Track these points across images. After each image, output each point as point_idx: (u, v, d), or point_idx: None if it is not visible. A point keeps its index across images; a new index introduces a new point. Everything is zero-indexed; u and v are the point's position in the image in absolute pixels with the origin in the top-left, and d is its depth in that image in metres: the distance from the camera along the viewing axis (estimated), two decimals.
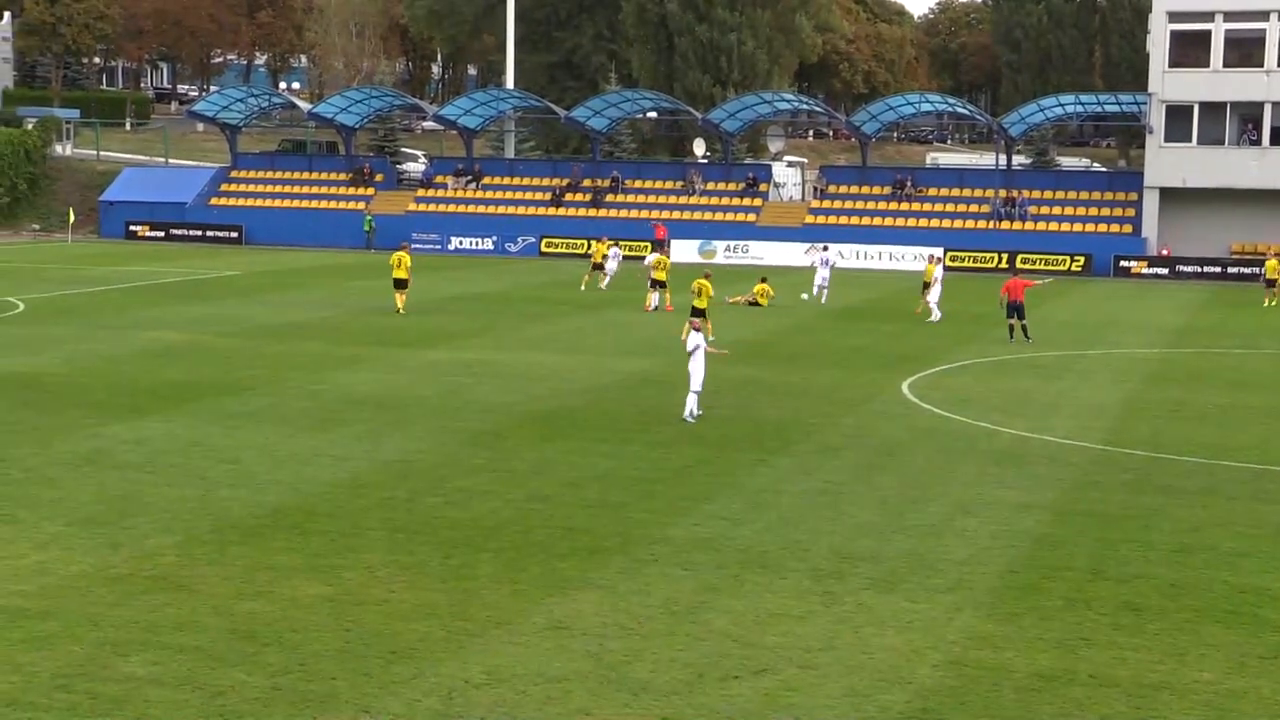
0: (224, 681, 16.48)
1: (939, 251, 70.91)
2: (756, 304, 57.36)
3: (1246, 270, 76.95)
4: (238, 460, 28.05)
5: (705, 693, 16.40)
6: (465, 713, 15.73)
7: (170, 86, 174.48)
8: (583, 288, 63.19)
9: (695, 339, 32.65)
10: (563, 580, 20.53)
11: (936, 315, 53.28)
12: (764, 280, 59.58)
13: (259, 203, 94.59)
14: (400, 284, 53.48)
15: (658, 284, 56.66)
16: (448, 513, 24.27)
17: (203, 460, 28.03)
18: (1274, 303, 62.01)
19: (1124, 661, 17.68)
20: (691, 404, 32.74)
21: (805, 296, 60.01)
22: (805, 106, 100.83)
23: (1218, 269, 77.76)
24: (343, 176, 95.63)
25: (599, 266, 64.45)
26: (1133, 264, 78.75)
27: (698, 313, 39.37)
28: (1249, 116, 79.99)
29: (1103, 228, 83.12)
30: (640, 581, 20.53)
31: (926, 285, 54.85)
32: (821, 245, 67.99)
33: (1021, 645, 18.17)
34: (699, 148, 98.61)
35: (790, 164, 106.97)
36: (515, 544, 22.38)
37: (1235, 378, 41.59)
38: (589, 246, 74.67)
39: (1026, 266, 77.71)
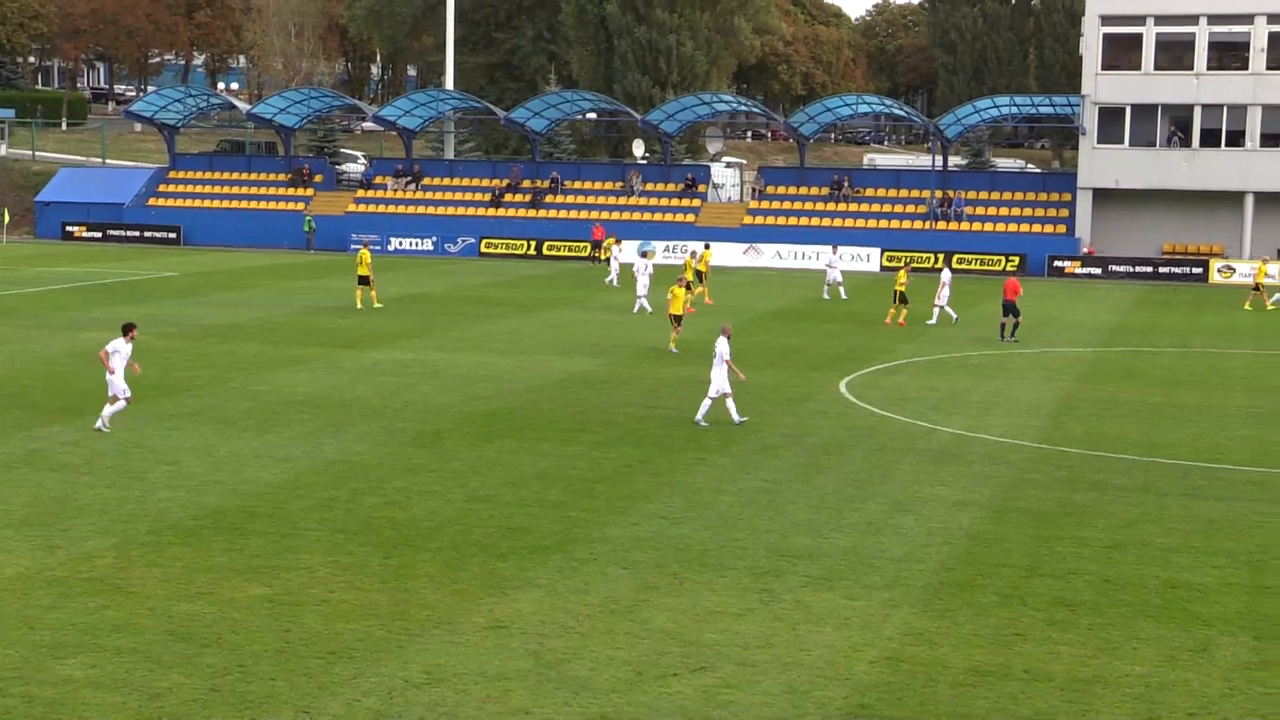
0: (162, 683, 16.38)
1: (938, 262, 71.12)
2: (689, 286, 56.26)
3: (1178, 270, 77.73)
4: (177, 461, 27.88)
5: (645, 690, 16.42)
6: (405, 712, 15.69)
7: (107, 86, 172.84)
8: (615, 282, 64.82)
9: (718, 347, 32.50)
10: (502, 580, 20.51)
11: (953, 317, 52.97)
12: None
13: (197, 203, 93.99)
14: (363, 280, 55.54)
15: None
16: (388, 513, 24.20)
17: (141, 461, 27.84)
18: (1251, 306, 62.30)
19: (1058, 656, 17.81)
20: (704, 407, 32.62)
21: (826, 296, 61.92)
22: (744, 108, 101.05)
23: (1149, 268, 78.40)
24: (282, 177, 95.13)
25: (604, 260, 64.47)
26: (1066, 264, 79.31)
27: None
28: (1179, 119, 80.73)
29: (1037, 228, 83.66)
30: (580, 580, 20.53)
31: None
32: (831, 247, 68.55)
33: (957, 641, 18.28)
34: (638, 149, 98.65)
35: (729, 165, 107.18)
36: (455, 544, 22.35)
37: (1167, 376, 41.94)
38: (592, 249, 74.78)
39: (962, 267, 78.25)
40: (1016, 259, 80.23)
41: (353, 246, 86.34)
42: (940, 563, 21.78)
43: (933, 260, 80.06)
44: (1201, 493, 26.86)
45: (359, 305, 55.07)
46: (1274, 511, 25.47)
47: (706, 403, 32.59)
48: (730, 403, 32.47)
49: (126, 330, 31.10)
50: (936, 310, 53.11)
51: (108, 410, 30.51)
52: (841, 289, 62.27)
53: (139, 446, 29.16)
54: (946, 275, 54.26)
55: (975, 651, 17.91)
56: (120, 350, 30.45)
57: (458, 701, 16.02)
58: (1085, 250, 79.86)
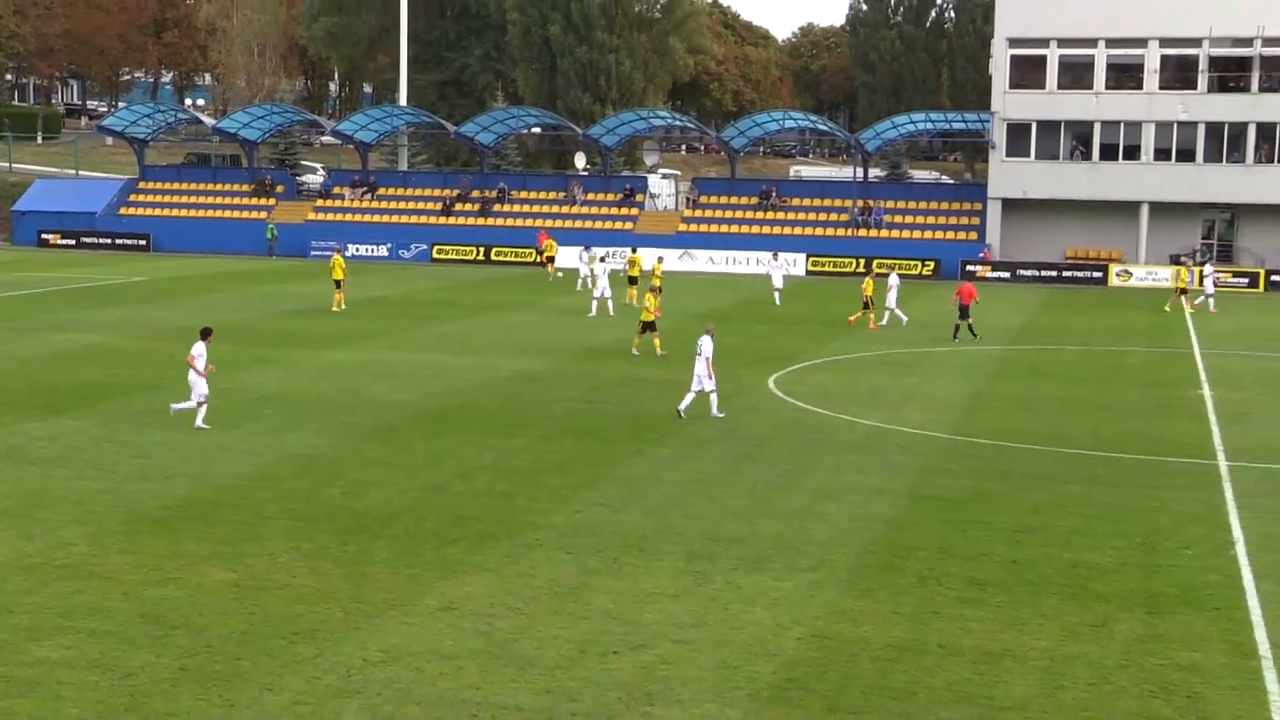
0: (134, 663, 16.28)
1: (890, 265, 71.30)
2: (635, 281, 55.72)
3: (1080, 274, 78.36)
4: (147, 455, 27.68)
5: (587, 667, 16.44)
6: (363, 689, 15.66)
7: (80, 102, 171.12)
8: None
9: (701, 345, 32.68)
10: (454, 564, 20.48)
11: (903, 319, 53.20)
12: (635, 250, 63.07)
13: (166, 212, 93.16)
14: (338, 284, 56.09)
15: (632, 280, 59.78)
16: (346, 502, 24.12)
17: (114, 455, 27.63)
18: (1170, 308, 62.65)
19: (970, 632, 17.94)
20: (687, 400, 32.75)
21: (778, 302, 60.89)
22: (678, 123, 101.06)
23: (1054, 273, 78.99)
24: (245, 188, 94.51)
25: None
26: (977, 268, 79.79)
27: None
28: (1080, 134, 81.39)
29: (950, 235, 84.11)
30: (526, 565, 20.53)
31: (868, 300, 52.71)
32: (772, 254, 68.36)
33: (878, 619, 18.38)
34: (580, 161, 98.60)
35: (665, 176, 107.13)
36: (409, 531, 22.30)
37: (1070, 373, 42.25)
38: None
39: (883, 271, 78.48)
40: (932, 263, 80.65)
41: (313, 253, 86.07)
42: (862, 546, 21.89)
43: (854, 265, 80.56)
44: (1100, 480, 27.10)
45: (336, 307, 55.03)
46: (1165, 497, 25.74)
47: (689, 395, 32.77)
48: (713, 398, 32.76)
49: (205, 334, 31.27)
50: (887, 312, 53.34)
51: (200, 410, 30.46)
52: (779, 294, 61.80)
53: (111, 441, 28.94)
54: (894, 279, 54.56)
55: (894, 628, 18.02)
56: (202, 354, 30.45)
57: (412, 679, 16.00)
58: (982, 255, 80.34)
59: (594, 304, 55.26)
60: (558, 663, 16.56)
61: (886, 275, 54.29)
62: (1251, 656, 17.26)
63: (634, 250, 65.45)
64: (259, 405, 33.49)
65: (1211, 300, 63.04)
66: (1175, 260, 79.41)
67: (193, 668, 16.20)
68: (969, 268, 79.46)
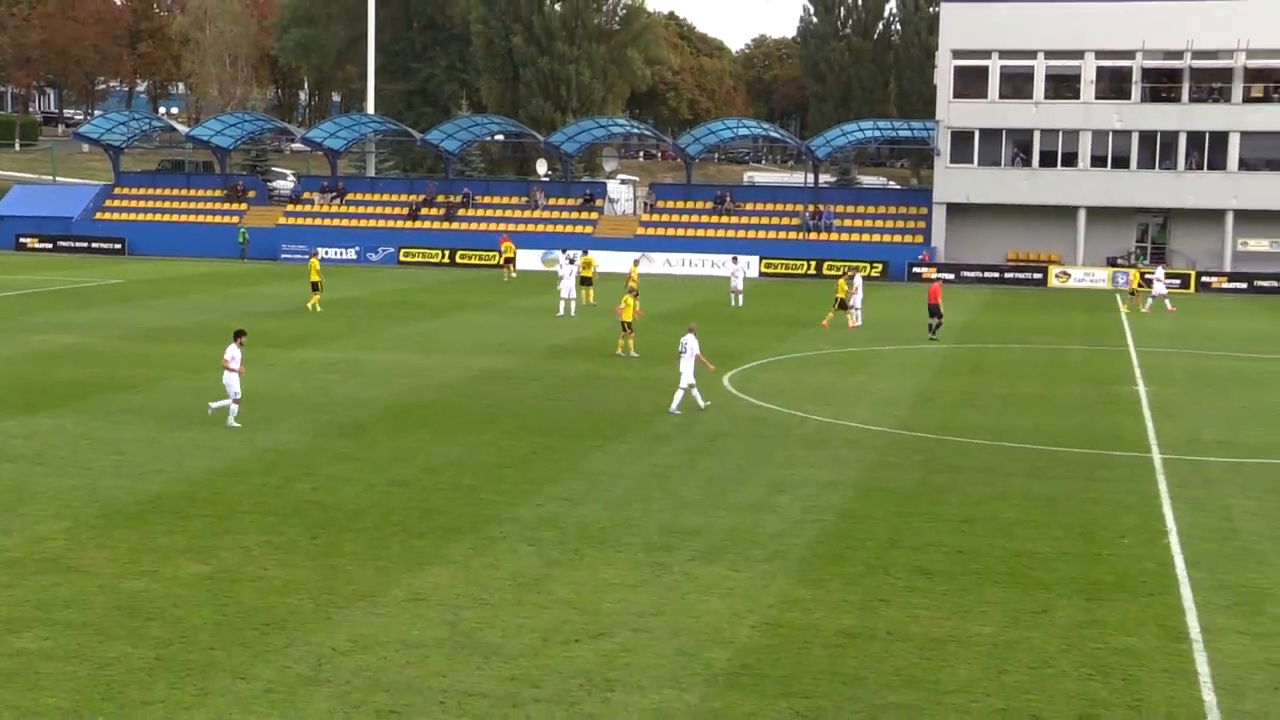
0: (110, 654, 16.16)
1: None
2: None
3: (1021, 275, 78.73)
4: (122, 452, 27.47)
5: (550, 655, 16.41)
6: (333, 677, 15.58)
7: (57, 111, 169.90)
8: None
9: (687, 343, 32.95)
10: (420, 556, 20.40)
11: (859, 321, 53.26)
12: (586, 253, 63.69)
13: (141, 217, 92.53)
14: (315, 286, 55.95)
15: (586, 280, 59.87)
16: (316, 497, 24.00)
17: (90, 452, 27.41)
18: (1128, 309, 62.94)
19: (917, 619, 17.98)
20: (678, 398, 32.84)
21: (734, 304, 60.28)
22: (636, 130, 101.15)
23: (996, 274, 79.33)
24: (218, 193, 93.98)
25: (586, 282, 60.01)
26: (923, 270, 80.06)
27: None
28: (1021, 141, 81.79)
29: (898, 238, 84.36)
30: (490, 556, 20.47)
31: (841, 301, 52.94)
32: (732, 257, 68.32)
33: (829, 607, 18.41)
34: (541, 167, 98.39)
35: (623, 181, 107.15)
36: (377, 524, 22.20)
37: (1012, 370, 42.43)
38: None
39: (832, 273, 78.72)
40: (880, 265, 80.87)
41: (284, 256, 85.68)
42: (813, 537, 21.92)
43: (806, 267, 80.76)
44: (1041, 473, 27.22)
45: (310, 308, 54.80)
46: (1103, 489, 25.87)
47: (679, 394, 32.87)
48: (696, 391, 32.95)
49: (238, 336, 31.15)
50: (856, 312, 53.56)
51: (225, 404, 30.35)
52: (739, 296, 60.98)
53: (88, 439, 28.71)
54: (859, 281, 54.73)
55: (844, 616, 18.05)
56: (235, 355, 30.35)
57: (380, 667, 15.93)
58: (921, 257, 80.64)
59: (561, 304, 55.23)
60: (521, 651, 16.52)
61: (852, 277, 54.58)
62: (1183, 640, 17.38)
63: (585, 253, 65.41)
64: None
65: (1167, 300, 63.28)
66: (1111, 262, 79.94)
67: (167, 658, 16.09)
68: (915, 269, 79.78)
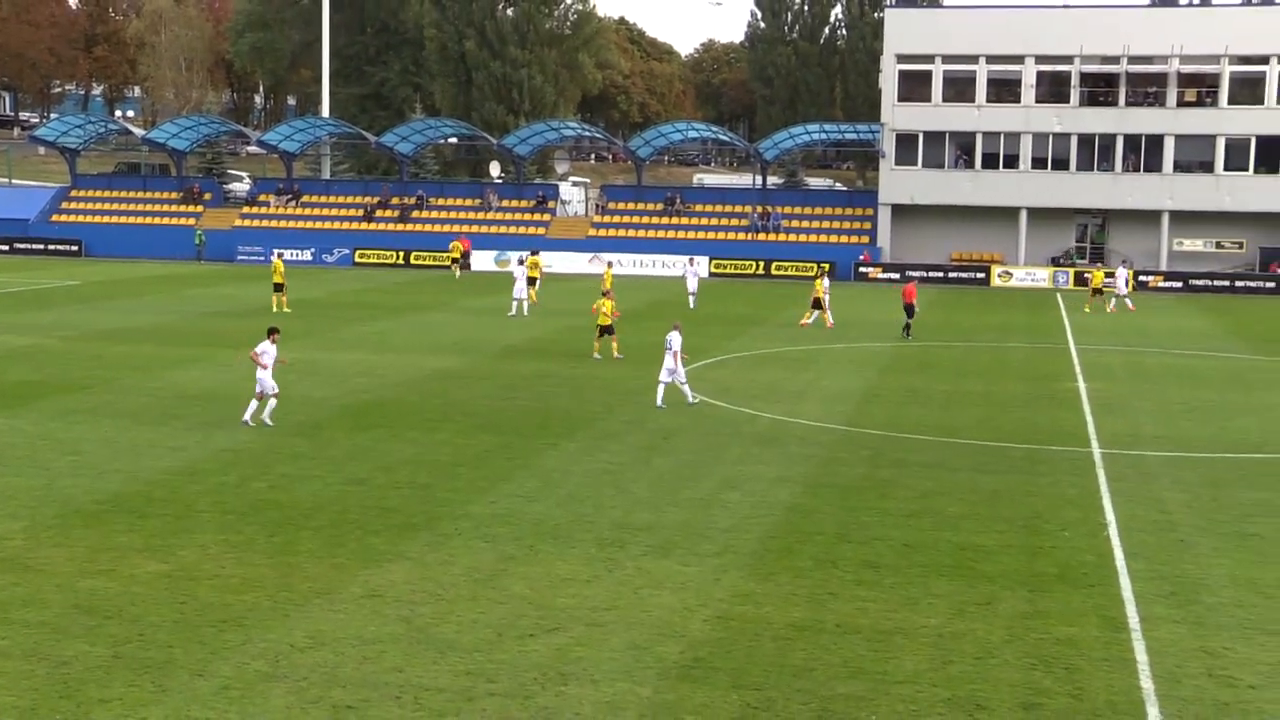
0: (68, 652, 16.00)
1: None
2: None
3: (964, 275, 79.18)
4: (80, 452, 27.22)
5: (505, 650, 16.37)
6: (290, 673, 15.49)
7: (13, 114, 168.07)
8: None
9: (671, 340, 33.58)
10: (376, 553, 20.31)
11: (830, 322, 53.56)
12: (535, 253, 64.56)
13: (97, 219, 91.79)
14: (278, 287, 55.75)
15: (532, 281, 60.01)
16: (273, 495, 23.86)
17: (48, 452, 27.14)
18: (1090, 309, 63.21)
19: (865, 611, 18.05)
20: (660, 392, 33.63)
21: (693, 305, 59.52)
22: (588, 133, 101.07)
23: (940, 274, 79.77)
24: (174, 195, 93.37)
25: (532, 281, 60.20)
26: (869, 269, 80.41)
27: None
28: (964, 144, 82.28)
29: (844, 238, 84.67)
30: (446, 553, 20.40)
31: (817, 300, 53.05)
32: (689, 259, 68.33)
33: (778, 600, 18.44)
34: (495, 169, 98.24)
35: (575, 183, 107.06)
36: (334, 522, 22.09)
37: (957, 367, 42.64)
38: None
39: (780, 274, 79.06)
40: (827, 266, 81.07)
41: (240, 257, 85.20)
42: (763, 532, 21.95)
43: (755, 267, 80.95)
44: (986, 468, 27.36)
45: (274, 309, 54.64)
46: (1045, 483, 26.04)
47: (660, 388, 33.60)
48: (686, 387, 33.80)
49: (271, 333, 30.95)
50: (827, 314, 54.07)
51: (253, 406, 30.25)
52: (693, 298, 60.29)
53: (45, 439, 28.43)
54: (825, 283, 54.91)
55: (794, 609, 18.09)
56: (268, 350, 30.09)
57: (337, 663, 15.85)
58: (861, 257, 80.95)
59: (514, 304, 55.14)
60: (477, 646, 16.47)
61: (820, 275, 55.05)
62: (1123, 630, 17.51)
63: (534, 252, 65.59)
64: (186, 403, 33.04)
65: (1129, 300, 63.64)
66: (1054, 262, 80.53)
67: (125, 655, 15.95)
68: (861, 269, 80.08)
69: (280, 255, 61.28)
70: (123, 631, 16.74)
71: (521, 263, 59.39)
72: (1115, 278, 64.97)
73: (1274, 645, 17.06)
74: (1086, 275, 67.04)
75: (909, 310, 50.00)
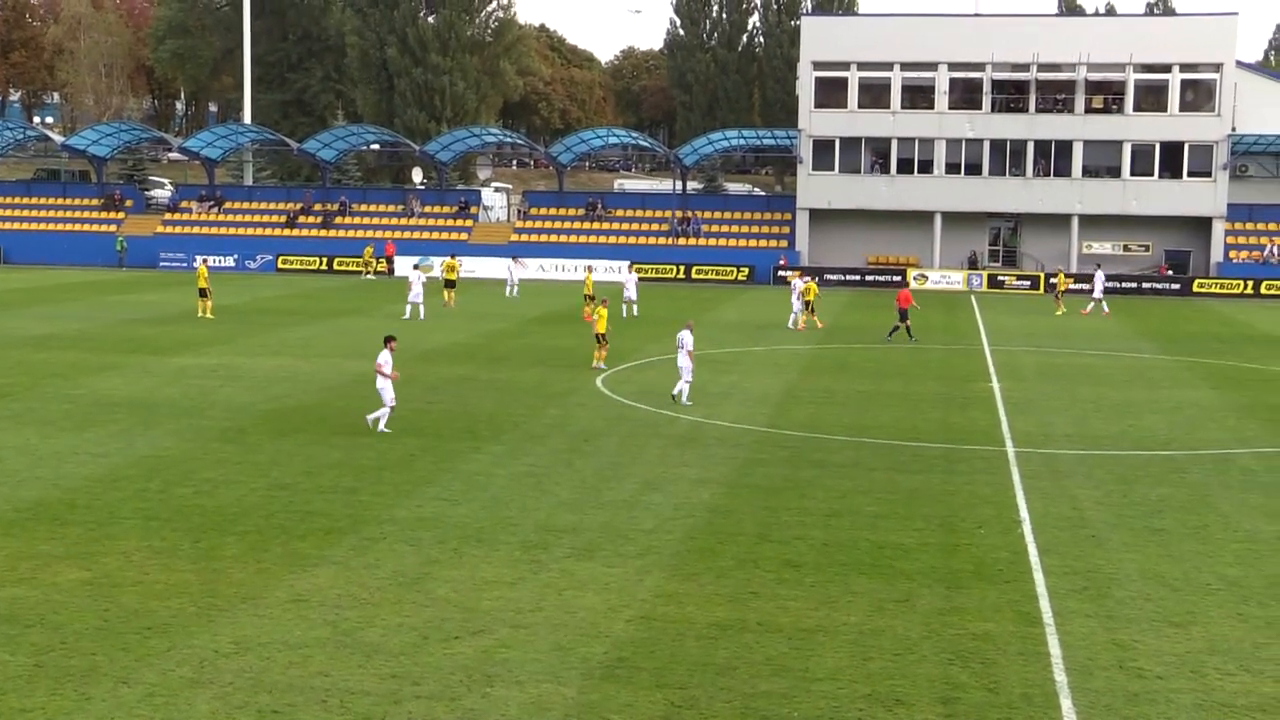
0: None
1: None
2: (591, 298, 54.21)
3: (881, 277, 79.78)
4: None
5: (430, 652, 16.28)
6: (215, 679, 15.32)
7: None
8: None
9: (683, 339, 34.43)
10: (302, 558, 20.14)
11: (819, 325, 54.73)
12: (454, 256, 65.22)
13: (16, 226, 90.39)
14: (203, 293, 55.16)
15: (450, 284, 61.78)
16: (197, 501, 23.58)
17: None
18: (1060, 311, 63.72)
19: (786, 610, 18.12)
20: (685, 391, 34.57)
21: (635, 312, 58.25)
22: (509, 139, 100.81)
23: (857, 276, 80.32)
24: (95, 202, 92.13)
25: (450, 284, 62.46)
26: (788, 273, 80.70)
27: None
28: (879, 149, 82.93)
29: (763, 243, 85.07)
30: (371, 557, 20.27)
31: (809, 303, 54.78)
32: (628, 264, 68.47)
33: (701, 600, 18.47)
34: (417, 175, 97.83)
35: (497, 189, 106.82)
36: (259, 527, 21.87)
37: (875, 368, 42.93)
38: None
39: (701, 277, 79.35)
40: (747, 269, 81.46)
41: (162, 264, 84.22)
42: (685, 533, 21.99)
43: (675, 271, 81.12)
44: (903, 467, 27.57)
45: (200, 315, 54.29)
46: (960, 481, 26.28)
47: (684, 387, 34.50)
48: (687, 387, 34.67)
49: (388, 341, 30.80)
50: (795, 316, 54.78)
51: (384, 414, 30.18)
52: (633, 306, 58.30)
53: None
54: (799, 284, 55.38)
55: (716, 609, 18.13)
56: (388, 360, 30.05)
57: (263, 668, 15.69)
58: (781, 261, 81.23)
59: (408, 308, 55.18)
60: (402, 649, 16.38)
61: (789, 282, 55.78)
62: (1037, 624, 17.70)
63: (452, 256, 65.69)
64: (108, 410, 32.58)
65: (1104, 304, 64.18)
66: (970, 264, 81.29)
67: (47, 664, 15.70)
68: (780, 273, 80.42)
69: (205, 261, 60.80)
70: (44, 640, 16.48)
71: (417, 267, 59.85)
72: (1094, 282, 65.38)
73: (1180, 637, 17.33)
74: (1053, 279, 67.88)
75: (902, 315, 50.73)
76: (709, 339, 49.39)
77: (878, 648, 16.74)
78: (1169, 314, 65.55)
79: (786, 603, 18.41)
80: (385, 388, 30.08)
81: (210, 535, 21.33)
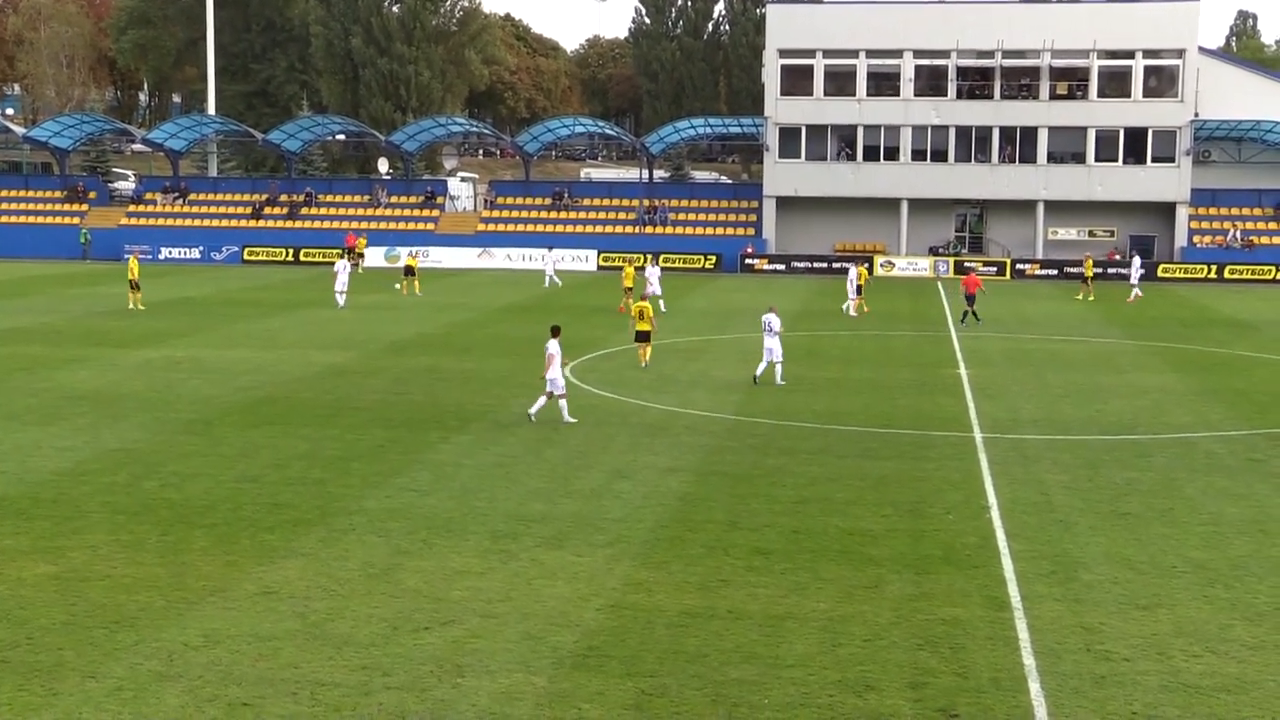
0: None
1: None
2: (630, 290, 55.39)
3: (848, 264, 79.78)
4: None
5: (400, 643, 16.25)
6: (185, 672, 15.25)
7: None
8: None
9: (770, 321, 35.88)
10: (270, 550, 20.07)
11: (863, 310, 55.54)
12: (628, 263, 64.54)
13: None
14: (133, 285, 55.11)
15: (410, 270, 62.88)
16: (164, 494, 23.47)
17: None
18: (1083, 296, 64.07)
19: (755, 597, 18.15)
20: (778, 372, 36.09)
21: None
22: (475, 129, 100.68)
23: (825, 264, 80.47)
24: (58, 194, 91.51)
25: (409, 271, 63.74)
26: (755, 261, 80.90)
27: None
28: (846, 137, 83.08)
29: (730, 231, 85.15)
30: (340, 548, 20.21)
31: (859, 288, 55.93)
32: (652, 258, 69.28)
33: (671, 588, 18.49)
34: (383, 166, 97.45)
35: (463, 179, 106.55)
36: (227, 520, 21.78)
37: (843, 355, 43.04)
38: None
39: (668, 265, 79.25)
40: (714, 258, 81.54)
41: (127, 256, 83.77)
42: (655, 521, 22.00)
43: (643, 260, 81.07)
44: (872, 454, 27.64)
45: (129, 307, 54.10)
46: (929, 467, 26.37)
47: (777, 368, 35.99)
48: (779, 368, 36.12)
49: (555, 332, 30.61)
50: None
51: (563, 404, 30.18)
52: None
53: None
54: (854, 271, 56.34)
55: (686, 597, 18.14)
56: (557, 351, 29.96)
57: (232, 661, 15.63)
58: (747, 249, 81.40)
59: (339, 297, 56.05)
60: (372, 640, 16.34)
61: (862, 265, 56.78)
62: (1005, 609, 17.78)
63: (413, 253, 67.05)
64: (74, 403, 32.38)
65: (1138, 289, 64.45)
66: (934, 251, 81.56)
67: (14, 659, 15.60)
68: (747, 261, 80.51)
69: (135, 254, 61.12)
70: (10, 635, 16.37)
71: (342, 256, 60.61)
72: (1131, 269, 65.88)
73: (1146, 619, 17.44)
74: (1080, 265, 68.60)
75: (970, 300, 51.66)
76: (674, 327, 49.41)
77: (847, 634, 16.78)
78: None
79: (756, 590, 18.44)
80: (556, 377, 29.99)
81: (178, 528, 21.23)
